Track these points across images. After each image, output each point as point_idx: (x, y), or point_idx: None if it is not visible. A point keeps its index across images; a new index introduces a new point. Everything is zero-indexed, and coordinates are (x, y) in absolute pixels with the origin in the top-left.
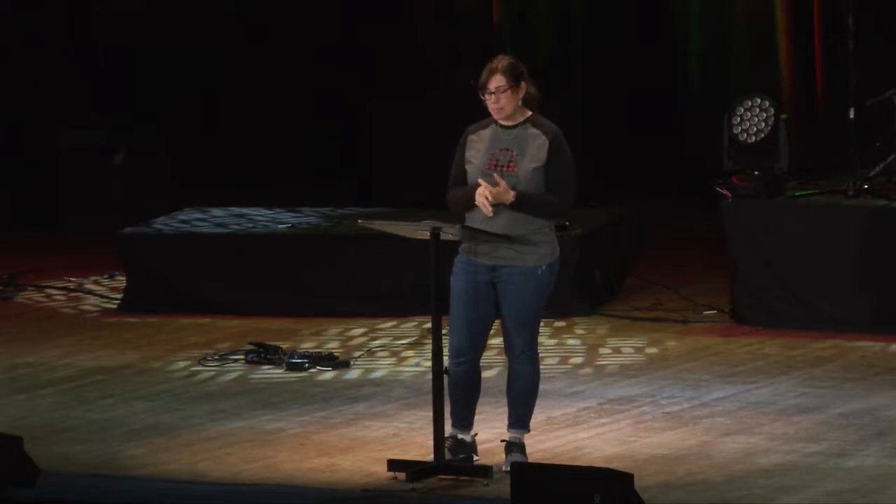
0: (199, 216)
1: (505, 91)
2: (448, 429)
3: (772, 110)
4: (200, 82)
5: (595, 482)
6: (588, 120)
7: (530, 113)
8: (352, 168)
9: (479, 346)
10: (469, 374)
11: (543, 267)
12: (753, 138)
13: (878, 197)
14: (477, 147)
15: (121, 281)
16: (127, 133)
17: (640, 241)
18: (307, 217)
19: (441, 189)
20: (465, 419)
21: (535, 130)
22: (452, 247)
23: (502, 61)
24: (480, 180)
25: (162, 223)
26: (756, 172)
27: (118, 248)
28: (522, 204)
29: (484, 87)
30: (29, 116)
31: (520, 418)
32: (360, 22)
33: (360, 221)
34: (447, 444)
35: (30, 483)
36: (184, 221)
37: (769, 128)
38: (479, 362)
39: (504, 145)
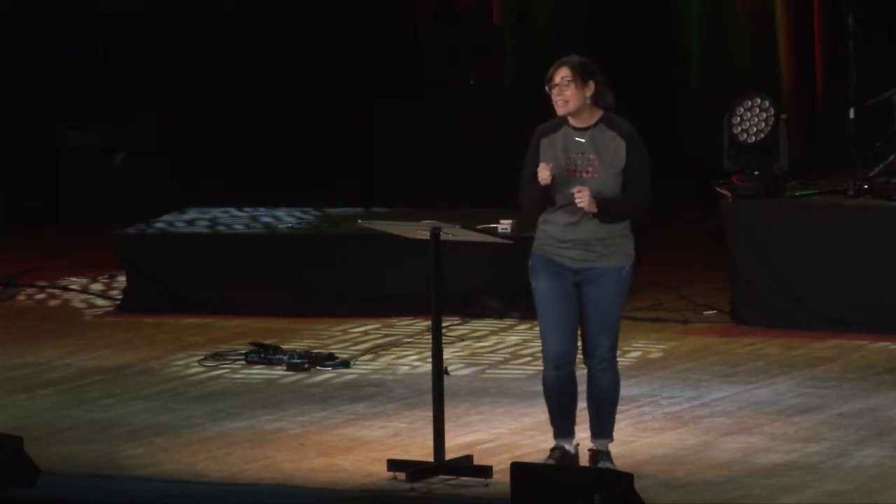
0: (199, 216)
1: (570, 83)
2: (551, 440)
3: (772, 110)
4: (200, 82)
5: (595, 482)
6: None
7: (602, 112)
8: (352, 168)
9: (575, 347)
10: (569, 378)
11: (627, 267)
12: (753, 138)
13: (878, 197)
14: (553, 150)
15: (121, 281)
16: (127, 133)
17: (640, 241)
18: (307, 217)
19: (441, 188)
20: (569, 427)
21: (610, 132)
22: (452, 247)
23: (572, 57)
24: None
25: (162, 223)
26: (756, 172)
27: (118, 248)
28: (607, 213)
29: (550, 80)
30: (29, 116)
31: (605, 428)
32: (360, 22)
33: (360, 221)
34: (553, 455)
35: (30, 483)
36: (184, 221)
37: (769, 128)
38: (575, 366)
39: (580, 149)
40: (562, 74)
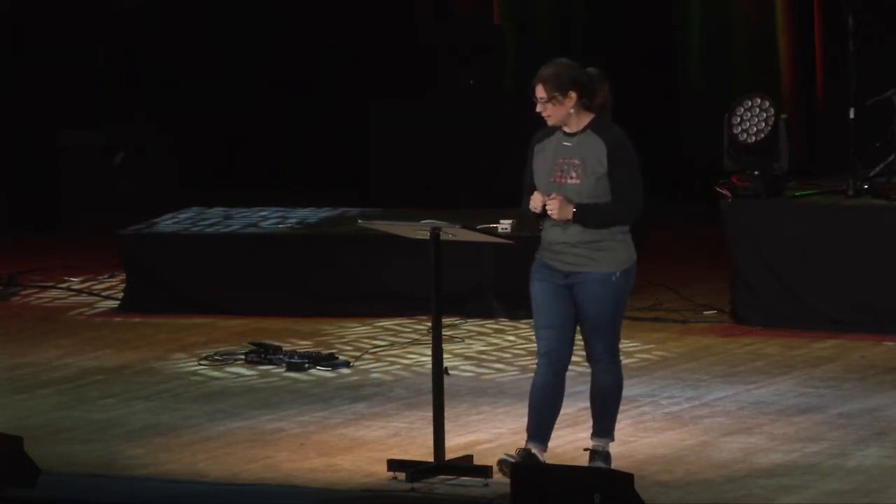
0: (199, 216)
1: (547, 102)
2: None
3: (772, 110)
4: (201, 82)
5: (595, 482)
6: None
7: (592, 117)
8: (351, 168)
9: (567, 351)
10: (557, 383)
11: (618, 273)
12: (753, 138)
13: (878, 197)
14: (543, 157)
15: (121, 281)
16: (127, 132)
17: (640, 241)
18: (307, 217)
19: (441, 188)
20: (543, 432)
21: (597, 137)
22: (453, 247)
23: (546, 70)
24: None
25: (162, 223)
26: (756, 172)
27: (118, 248)
28: (583, 218)
29: (532, 93)
30: (29, 116)
31: (604, 427)
32: (359, 22)
33: (360, 221)
34: (519, 454)
35: (30, 483)
36: (184, 221)
37: (769, 128)
38: (565, 372)
39: (567, 154)
40: (538, 94)
